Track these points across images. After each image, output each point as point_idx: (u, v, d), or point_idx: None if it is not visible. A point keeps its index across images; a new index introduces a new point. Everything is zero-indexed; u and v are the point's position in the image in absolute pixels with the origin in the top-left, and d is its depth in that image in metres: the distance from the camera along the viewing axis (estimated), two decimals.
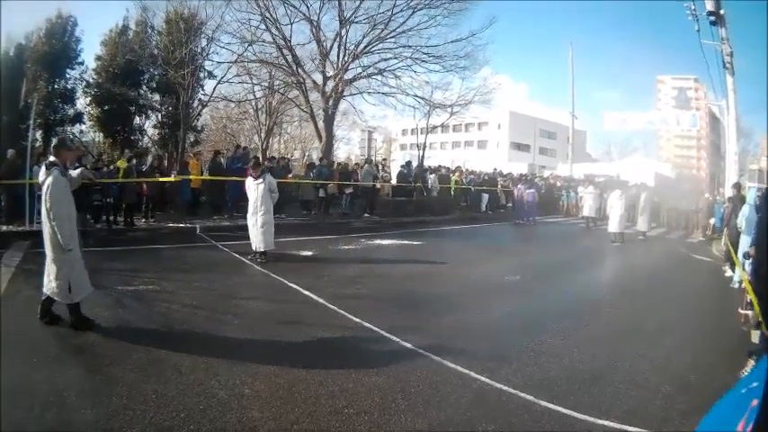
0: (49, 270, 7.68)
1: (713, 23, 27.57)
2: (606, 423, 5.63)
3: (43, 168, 7.66)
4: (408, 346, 7.67)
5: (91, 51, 36.84)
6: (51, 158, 7.72)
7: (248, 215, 14.05)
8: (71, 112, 31.73)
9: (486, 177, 36.57)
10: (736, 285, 13.33)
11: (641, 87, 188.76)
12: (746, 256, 10.52)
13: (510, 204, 34.98)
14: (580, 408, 5.90)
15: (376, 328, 8.43)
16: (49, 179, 7.36)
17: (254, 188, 13.83)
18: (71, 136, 31.67)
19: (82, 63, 32.00)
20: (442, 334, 8.41)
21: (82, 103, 32.15)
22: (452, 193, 32.99)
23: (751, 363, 7.14)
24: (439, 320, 9.34)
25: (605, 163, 72.24)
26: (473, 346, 7.87)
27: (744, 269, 11.02)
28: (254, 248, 13.78)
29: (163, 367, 6.45)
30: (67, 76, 31.44)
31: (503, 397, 6.12)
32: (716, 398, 6.17)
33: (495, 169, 40.84)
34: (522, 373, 6.85)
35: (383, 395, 5.94)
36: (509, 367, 7.05)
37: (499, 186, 35.89)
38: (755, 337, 8.71)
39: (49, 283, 7.68)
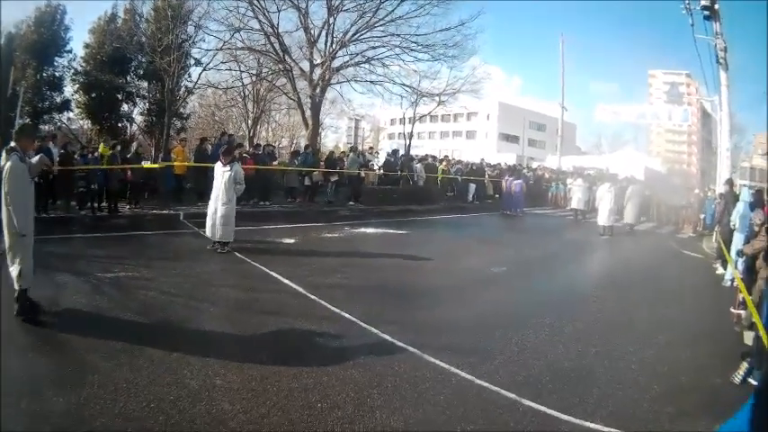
0: (8, 256, 7.55)
1: (707, 18, 27.53)
2: (592, 425, 5.50)
3: (3, 154, 7.49)
4: (387, 338, 7.54)
5: (79, 39, 36.87)
6: (12, 144, 7.56)
7: (209, 202, 13.38)
8: (59, 99, 31.68)
9: (474, 167, 36.46)
10: (728, 284, 13.33)
11: (633, 81, 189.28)
12: (740, 254, 10.44)
13: (497, 195, 34.74)
14: (565, 408, 5.77)
15: (355, 319, 8.29)
16: (8, 164, 7.22)
17: (221, 175, 13.24)
18: (59, 123, 31.61)
19: (70, 51, 32.07)
20: (424, 327, 8.27)
21: (69, 90, 32.13)
22: (439, 182, 32.95)
23: (744, 365, 6.99)
24: (421, 312, 9.18)
25: (595, 156, 72.39)
26: (455, 340, 7.74)
27: (736, 267, 10.94)
28: (210, 237, 13.21)
29: (135, 356, 6.32)
30: (56, 63, 31.44)
31: (484, 395, 5.98)
32: (707, 400, 6.09)
33: (483, 159, 40.78)
34: (504, 370, 6.72)
35: (358, 389, 5.79)
36: (491, 363, 6.91)
37: (487, 177, 35.76)
38: (748, 338, 8.48)
39: (9, 268, 7.55)
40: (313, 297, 9.44)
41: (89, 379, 5.60)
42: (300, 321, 8.14)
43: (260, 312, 8.54)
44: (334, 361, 6.59)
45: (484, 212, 29.57)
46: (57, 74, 31.44)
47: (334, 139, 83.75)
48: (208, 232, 13.22)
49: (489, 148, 75.60)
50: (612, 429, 5.42)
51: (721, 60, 27.15)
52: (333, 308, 8.85)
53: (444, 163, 34.73)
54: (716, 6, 27.03)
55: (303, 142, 38.02)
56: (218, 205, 13.04)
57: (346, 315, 8.49)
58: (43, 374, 5.70)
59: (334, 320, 8.31)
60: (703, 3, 26.92)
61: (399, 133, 66.11)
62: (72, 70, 31.60)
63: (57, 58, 31.34)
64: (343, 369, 6.31)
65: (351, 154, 28.75)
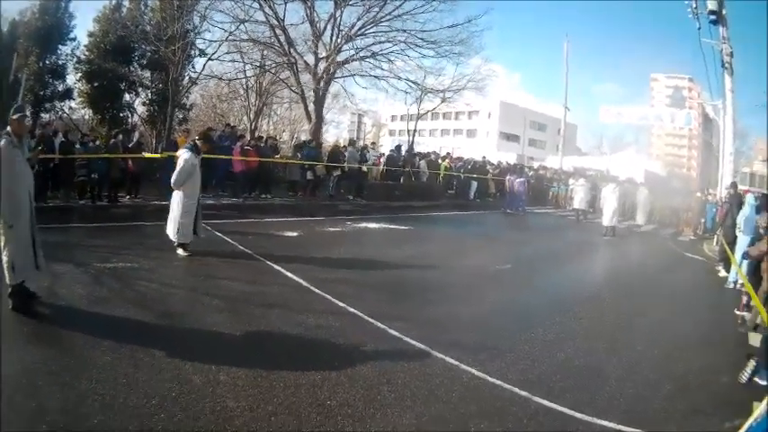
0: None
1: (714, 23, 27.47)
2: (605, 423, 5.46)
3: None
4: (395, 334, 7.44)
5: (83, 27, 36.60)
6: (7, 128, 7.22)
7: (191, 200, 11.49)
8: (61, 87, 31.52)
9: (477, 165, 36.35)
10: (731, 286, 13.44)
11: (635, 84, 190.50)
12: (745, 256, 10.45)
13: (498, 193, 35.03)
14: (577, 406, 5.74)
15: (362, 315, 8.17)
16: None
17: (198, 167, 11.73)
18: (60, 112, 31.50)
19: (74, 39, 31.87)
20: (431, 323, 8.19)
21: (72, 79, 31.96)
22: (441, 179, 33.08)
23: (751, 364, 7.07)
24: (428, 309, 9.10)
25: (596, 157, 72.63)
26: (463, 337, 7.68)
27: (741, 269, 10.98)
28: (187, 239, 11.45)
29: (136, 349, 6.11)
30: (59, 51, 31.25)
31: (495, 392, 5.92)
32: (717, 399, 6.08)
33: (484, 157, 40.74)
34: (515, 368, 6.67)
35: (368, 387, 5.68)
36: (502, 361, 6.86)
37: (489, 175, 35.76)
38: (754, 339, 8.71)
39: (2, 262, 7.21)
40: (317, 291, 9.33)
41: (87, 373, 5.42)
42: (306, 316, 7.99)
43: (264, 306, 8.38)
44: (342, 357, 6.49)
45: (486, 210, 29.55)
46: (60, 62, 31.33)
47: (335, 134, 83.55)
48: (188, 233, 11.47)
49: (489, 147, 75.57)
50: (625, 427, 5.40)
51: (727, 65, 27.11)
52: (338, 302, 8.73)
53: (447, 160, 34.71)
54: (723, 11, 27.00)
55: (304, 136, 37.88)
56: (198, 199, 11.78)
57: (352, 309, 8.39)
58: (39, 368, 5.49)
59: (341, 315, 8.19)
60: (710, 7, 26.88)
61: (400, 130, 66.34)
62: (75, 58, 31.49)
63: (60, 46, 31.24)
64: (351, 365, 6.21)
65: (350, 148, 28.63)
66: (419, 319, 8.27)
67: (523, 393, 5.88)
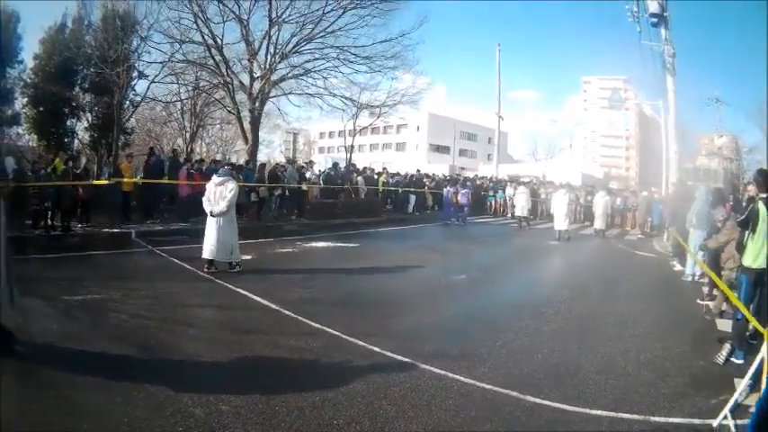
0: None
1: (655, 25, 27.90)
2: (598, 413, 5.66)
3: None
4: (376, 349, 7.48)
5: (30, 50, 36.11)
6: None
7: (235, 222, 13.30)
8: (9, 113, 30.86)
9: (414, 179, 36.61)
10: (689, 279, 14.00)
11: (567, 89, 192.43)
12: (702, 248, 10.90)
13: (436, 206, 35.23)
14: (567, 400, 5.93)
15: (337, 333, 8.20)
16: None
17: None
18: (7, 139, 30.87)
19: (21, 62, 31.25)
20: (404, 336, 8.28)
21: (19, 104, 31.37)
22: (380, 194, 33.27)
23: (726, 347, 7.59)
24: (398, 321, 9.21)
25: (530, 164, 73.41)
26: (440, 346, 7.79)
27: (700, 261, 11.43)
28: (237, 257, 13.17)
29: (126, 386, 5.86)
30: (7, 75, 30.61)
31: (488, 396, 6.05)
32: (697, 380, 6.40)
33: (419, 170, 40.86)
34: (499, 372, 6.81)
35: (368, 402, 5.71)
36: (484, 366, 7.00)
37: (426, 188, 35.91)
38: (722, 325, 9.28)
39: None
40: (288, 312, 9.32)
41: (85, 417, 5.22)
42: (283, 338, 8.00)
43: (239, 331, 8.33)
44: (333, 376, 6.49)
45: (427, 223, 29.71)
46: (7, 86, 30.69)
47: (266, 153, 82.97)
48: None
49: (420, 160, 75.89)
50: (619, 414, 5.64)
51: (668, 66, 27.65)
52: (310, 322, 8.73)
53: (384, 175, 35.09)
54: (665, 14, 27.51)
55: (235, 157, 37.52)
56: None
57: (327, 329, 8.39)
58: (32, 411, 5.26)
59: (316, 335, 8.20)
60: (653, 10, 27.38)
61: (329, 147, 66.24)
62: (22, 82, 30.88)
63: (8, 70, 30.62)
64: (344, 384, 6.20)
65: (289, 167, 28.61)
66: (393, 333, 8.37)
67: (514, 394, 6.03)
